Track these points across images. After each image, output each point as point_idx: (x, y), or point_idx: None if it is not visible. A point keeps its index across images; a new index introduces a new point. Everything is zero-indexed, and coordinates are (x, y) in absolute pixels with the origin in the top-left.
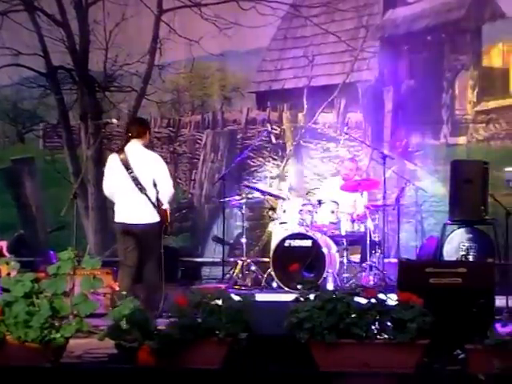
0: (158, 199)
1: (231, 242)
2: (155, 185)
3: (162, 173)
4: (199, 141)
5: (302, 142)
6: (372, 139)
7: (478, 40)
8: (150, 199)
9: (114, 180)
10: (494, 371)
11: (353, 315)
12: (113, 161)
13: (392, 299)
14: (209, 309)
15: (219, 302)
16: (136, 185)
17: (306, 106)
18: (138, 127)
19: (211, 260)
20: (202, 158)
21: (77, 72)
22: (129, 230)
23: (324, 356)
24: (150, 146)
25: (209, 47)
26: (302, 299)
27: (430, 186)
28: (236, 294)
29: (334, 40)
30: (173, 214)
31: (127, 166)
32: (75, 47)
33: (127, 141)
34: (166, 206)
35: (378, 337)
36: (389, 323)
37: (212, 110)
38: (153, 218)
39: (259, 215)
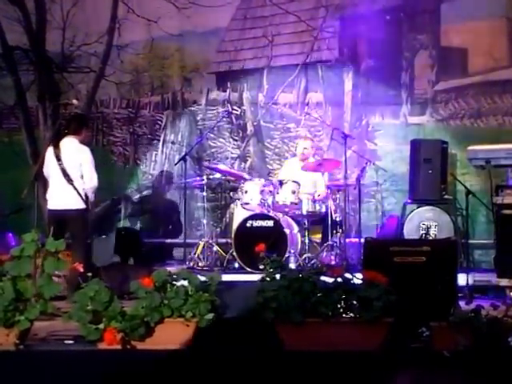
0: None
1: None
2: (82, 177)
3: (86, 167)
4: (159, 122)
5: (262, 122)
6: (332, 119)
7: (437, 19)
8: (76, 189)
9: (47, 169)
10: (458, 348)
11: (319, 294)
12: (48, 152)
13: (357, 278)
14: (175, 289)
15: (185, 282)
16: (64, 176)
17: (266, 87)
18: (75, 125)
19: (173, 241)
20: (162, 139)
21: (34, 52)
22: (55, 216)
23: (290, 335)
24: (86, 141)
25: (167, 27)
26: (267, 279)
27: (390, 165)
28: (200, 275)
29: (293, 20)
30: (133, 196)
31: (58, 158)
32: (32, 27)
33: (64, 135)
34: (90, 198)
35: (344, 315)
36: (355, 302)
37: (172, 91)
38: (78, 204)
39: (220, 196)
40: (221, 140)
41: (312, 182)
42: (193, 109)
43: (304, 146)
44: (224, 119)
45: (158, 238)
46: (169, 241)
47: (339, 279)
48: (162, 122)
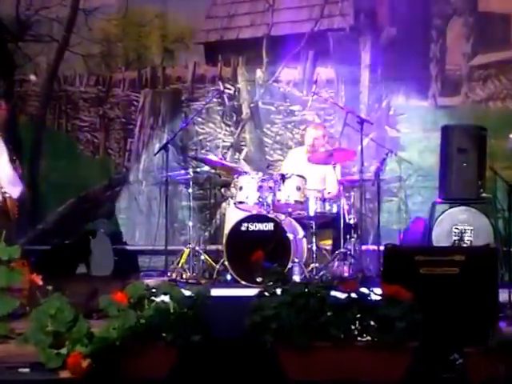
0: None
1: None
2: None
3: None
4: (135, 102)
5: (260, 103)
6: (346, 100)
7: None
8: None
9: None
10: (498, 379)
11: (329, 313)
12: None
13: (375, 293)
14: (154, 306)
15: (166, 298)
16: None
17: (265, 60)
18: None
19: (151, 248)
20: (138, 123)
21: None
22: None
23: (294, 362)
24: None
25: None
26: (266, 294)
27: (416, 156)
28: (185, 288)
29: None
30: (101, 193)
31: None
32: None
33: None
34: (9, 192)
35: (359, 339)
36: (372, 322)
37: (151, 65)
38: None
39: (209, 193)
40: (210, 125)
41: (321, 176)
42: (176, 87)
43: (315, 136)
44: (214, 100)
45: (132, 243)
46: (146, 247)
47: (353, 295)
48: (138, 102)
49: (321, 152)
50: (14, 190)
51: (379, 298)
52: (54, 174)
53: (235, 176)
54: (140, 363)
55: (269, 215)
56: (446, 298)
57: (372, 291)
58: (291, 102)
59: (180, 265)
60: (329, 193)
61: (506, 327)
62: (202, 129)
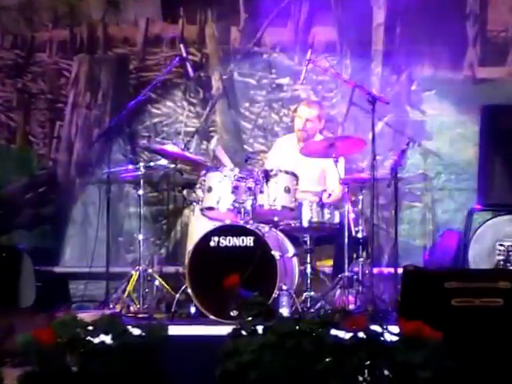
0: None
1: None
2: None
3: None
4: (66, 73)
5: (237, 75)
6: (353, 71)
7: None
8: None
9: None
10: None
11: (328, 358)
12: None
13: (391, 332)
14: (91, 348)
15: (107, 338)
16: None
17: (243, 16)
18: None
19: (87, 270)
20: (70, 101)
21: None
22: None
23: None
24: None
25: None
26: (244, 333)
27: (448, 147)
28: (133, 326)
29: None
30: (19, 195)
31: None
32: None
33: None
34: None
35: None
36: (386, 371)
37: (87, 22)
38: None
39: (167, 196)
40: (169, 104)
41: (318, 174)
42: (122, 52)
43: (307, 117)
44: (174, 70)
45: (62, 263)
46: (80, 269)
47: (361, 334)
48: (70, 73)
49: (318, 141)
50: None
51: (396, 338)
52: None
53: (202, 173)
54: None
55: (247, 226)
56: (487, 339)
57: (386, 329)
58: (278, 73)
59: (126, 293)
60: (329, 196)
61: None
62: (158, 109)
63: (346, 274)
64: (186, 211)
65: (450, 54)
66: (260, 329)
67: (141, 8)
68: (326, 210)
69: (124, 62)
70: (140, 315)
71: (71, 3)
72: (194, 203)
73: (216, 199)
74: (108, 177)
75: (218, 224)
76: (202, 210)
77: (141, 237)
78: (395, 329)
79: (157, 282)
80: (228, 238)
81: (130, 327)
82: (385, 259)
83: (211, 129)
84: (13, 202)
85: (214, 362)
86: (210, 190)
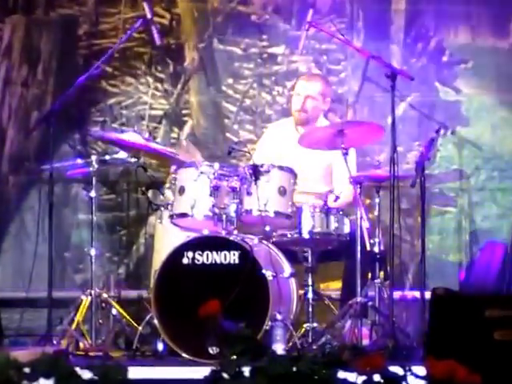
0: None
1: None
2: None
3: None
4: None
5: (217, 42)
6: (366, 38)
7: None
8: None
9: None
10: None
11: None
12: None
13: (416, 375)
14: None
15: (49, 382)
16: None
17: None
18: None
19: (23, 296)
20: (1, 76)
21: None
22: None
23: None
24: None
25: None
26: (225, 376)
27: (489, 136)
28: (83, 367)
29: None
30: None
31: None
32: None
33: None
34: None
35: None
36: None
37: None
38: None
39: (127, 199)
40: (129, 80)
41: (323, 170)
42: (69, 12)
43: (307, 93)
44: (136, 36)
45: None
46: (15, 294)
47: (378, 377)
48: (1, 39)
49: (322, 127)
50: None
51: (422, 382)
52: None
53: (172, 169)
54: None
55: (231, 238)
56: None
57: (410, 371)
58: (270, 39)
59: (75, 325)
60: (336, 199)
61: None
62: (115, 86)
63: (359, 299)
64: (152, 219)
65: (491, 15)
66: (247, 370)
67: None
68: (333, 218)
69: (71, 25)
70: (92, 353)
71: None
72: (162, 208)
73: (190, 203)
74: (50, 174)
75: (192, 235)
76: (172, 216)
77: (93, 252)
78: (421, 370)
79: (114, 311)
80: (206, 253)
81: (78, 369)
82: (409, 280)
83: (184, 112)
84: None
85: None
86: (182, 191)
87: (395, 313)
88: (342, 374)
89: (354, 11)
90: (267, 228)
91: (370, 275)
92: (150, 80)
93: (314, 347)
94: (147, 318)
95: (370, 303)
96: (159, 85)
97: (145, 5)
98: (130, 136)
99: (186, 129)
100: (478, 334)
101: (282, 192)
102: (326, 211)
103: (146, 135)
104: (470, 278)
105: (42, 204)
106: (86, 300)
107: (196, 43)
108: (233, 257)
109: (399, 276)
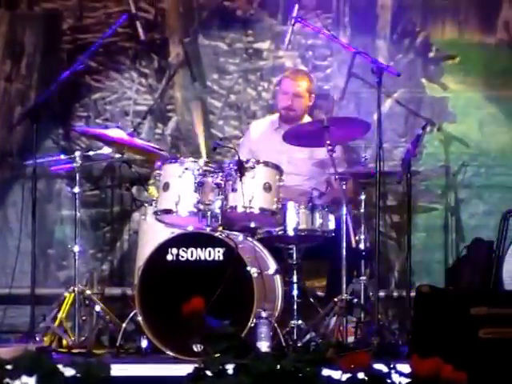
0: None
1: None
2: None
3: None
4: None
5: (202, 37)
6: (353, 33)
7: None
8: None
9: None
10: None
11: None
12: None
13: (400, 372)
14: None
15: (31, 380)
16: None
17: None
18: None
19: (6, 292)
20: None
21: None
22: None
23: None
24: None
25: None
26: (209, 373)
27: (477, 132)
28: (65, 364)
29: None
30: None
31: None
32: None
33: None
34: None
35: None
36: None
37: None
38: None
39: (111, 195)
40: (113, 75)
41: (308, 165)
42: (52, 7)
43: (295, 91)
44: (121, 31)
45: None
46: None
47: (362, 375)
48: None
49: (306, 123)
50: None
51: (406, 380)
52: None
53: (157, 165)
54: None
55: (216, 235)
56: None
57: (394, 369)
58: (256, 35)
59: (58, 322)
60: (321, 195)
61: None
62: (99, 82)
63: (344, 296)
64: (136, 215)
65: (479, 10)
66: (230, 368)
67: None
68: (318, 214)
69: (55, 20)
70: (75, 350)
71: None
72: (146, 204)
73: (175, 199)
74: (34, 170)
75: (176, 232)
76: (156, 213)
77: (76, 248)
78: (406, 368)
79: (97, 308)
80: (190, 249)
81: (61, 366)
82: (394, 278)
83: (169, 107)
84: None
85: None
86: (166, 187)
87: (380, 310)
88: (326, 372)
89: (341, 6)
90: (252, 224)
91: (355, 273)
92: (135, 75)
93: (299, 345)
94: (131, 315)
95: (355, 301)
96: (144, 80)
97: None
98: (114, 132)
99: (171, 125)
100: (464, 331)
101: (267, 188)
102: (312, 208)
103: (130, 131)
104: (455, 275)
105: (25, 200)
106: (69, 297)
107: (181, 38)
108: (217, 253)
109: (385, 274)
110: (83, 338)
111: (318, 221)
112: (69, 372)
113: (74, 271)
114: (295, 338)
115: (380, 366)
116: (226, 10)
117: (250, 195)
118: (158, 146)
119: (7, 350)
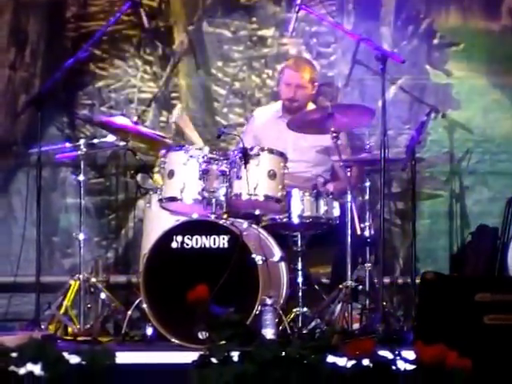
0: None
1: None
2: None
3: None
4: None
5: (206, 25)
6: (357, 20)
7: None
8: None
9: None
10: None
11: None
12: None
13: (405, 359)
14: (15, 382)
15: (37, 367)
16: None
17: None
18: None
19: (11, 280)
20: None
21: None
22: None
23: None
24: None
25: None
26: (214, 360)
27: (481, 119)
28: (71, 352)
29: None
30: None
31: None
32: None
33: None
34: None
35: None
36: None
37: None
38: None
39: (116, 183)
40: (118, 63)
41: (312, 153)
42: None
43: (297, 83)
44: (125, 18)
45: None
46: (3, 279)
47: (367, 361)
48: None
49: (310, 111)
50: None
51: (411, 366)
52: None
53: (161, 153)
54: None
55: (220, 222)
56: None
57: (399, 355)
58: (260, 22)
59: (63, 309)
60: (325, 182)
61: None
62: (103, 69)
63: (349, 283)
64: (141, 203)
65: None
66: (235, 355)
67: None
68: (323, 201)
69: (59, 8)
70: (80, 338)
71: None
72: (151, 192)
73: (179, 187)
74: (38, 158)
75: (181, 219)
76: (161, 200)
77: (81, 236)
78: (411, 354)
79: (102, 295)
80: (195, 237)
81: (66, 354)
82: (399, 265)
83: (173, 95)
84: None
85: None
86: (171, 174)
87: (385, 297)
88: (331, 359)
89: None
90: (257, 212)
91: (360, 260)
92: (139, 63)
93: (304, 332)
94: (136, 302)
95: (359, 288)
96: (148, 68)
97: None
98: (118, 119)
99: (176, 112)
100: (468, 318)
101: (272, 175)
102: (315, 195)
103: (135, 118)
104: (459, 261)
105: (30, 188)
106: (74, 284)
107: (185, 26)
108: (222, 241)
109: (389, 260)
110: (88, 326)
111: (323, 208)
112: (74, 359)
113: (79, 259)
114: (300, 325)
115: (385, 353)
116: None
117: (255, 182)
118: (162, 134)
119: (13, 338)
